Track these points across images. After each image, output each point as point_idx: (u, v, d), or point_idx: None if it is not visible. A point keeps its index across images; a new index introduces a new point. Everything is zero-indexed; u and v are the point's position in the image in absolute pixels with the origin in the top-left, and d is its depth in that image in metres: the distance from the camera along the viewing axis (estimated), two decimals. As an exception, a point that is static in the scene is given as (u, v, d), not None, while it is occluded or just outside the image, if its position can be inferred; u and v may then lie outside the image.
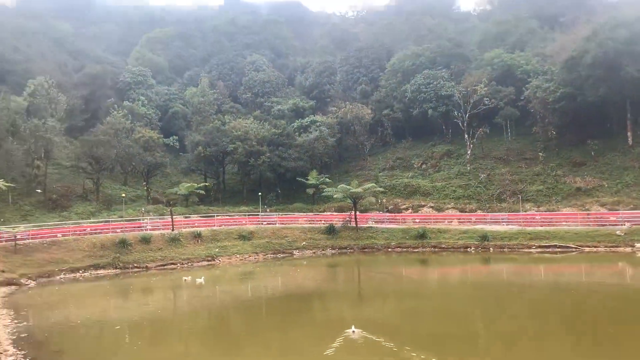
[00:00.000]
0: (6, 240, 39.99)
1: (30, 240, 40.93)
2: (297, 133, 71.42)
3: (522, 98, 63.72)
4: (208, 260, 43.16)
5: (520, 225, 47.73)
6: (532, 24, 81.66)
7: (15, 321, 22.11)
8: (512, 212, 51.50)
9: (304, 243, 48.39)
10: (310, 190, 62.67)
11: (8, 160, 55.55)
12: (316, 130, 70.06)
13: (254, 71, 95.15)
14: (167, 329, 22.66)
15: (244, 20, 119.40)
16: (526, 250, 42.70)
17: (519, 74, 67.20)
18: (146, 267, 40.55)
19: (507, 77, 67.95)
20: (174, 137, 78.88)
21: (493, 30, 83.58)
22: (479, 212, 53.95)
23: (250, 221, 53.62)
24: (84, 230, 45.62)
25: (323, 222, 53.71)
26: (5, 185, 27.16)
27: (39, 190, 56.72)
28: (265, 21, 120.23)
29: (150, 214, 53.94)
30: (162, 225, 48.79)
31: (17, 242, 39.07)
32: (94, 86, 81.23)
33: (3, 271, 35.22)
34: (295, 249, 47.57)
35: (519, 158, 62.25)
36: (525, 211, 51.60)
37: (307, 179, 62.81)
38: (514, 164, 61.35)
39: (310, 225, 53.03)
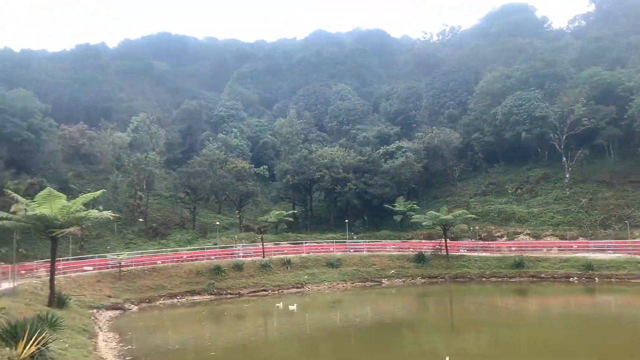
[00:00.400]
0: (112, 267, 42.85)
1: (133, 267, 43.47)
2: (382, 159, 71.25)
3: (625, 117, 59.44)
4: (297, 287, 43.59)
5: (629, 253, 43.94)
6: (633, 39, 76.48)
7: (121, 344, 23.44)
8: (619, 239, 47.63)
9: (393, 271, 47.58)
10: (397, 217, 61.92)
11: (114, 192, 60.15)
12: (402, 156, 69.54)
13: (339, 100, 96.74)
14: (259, 356, 23.00)
15: (329, 51, 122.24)
16: (636, 280, 39.16)
17: (620, 92, 62.77)
18: (239, 293, 41.68)
19: (607, 96, 63.75)
20: (264, 166, 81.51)
21: (589, 47, 79.13)
22: (581, 239, 50.46)
23: (337, 248, 53.71)
24: (181, 257, 47.89)
25: (412, 249, 52.61)
26: (112, 216, 29.14)
27: (141, 220, 60.59)
28: (349, 51, 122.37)
29: (243, 241, 55.68)
30: (254, 252, 50.08)
31: (121, 268, 41.75)
32: (191, 120, 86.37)
33: (109, 296, 37.65)
34: (383, 278, 46.86)
35: (625, 181, 57.75)
36: (634, 238, 47.53)
37: (394, 206, 62.17)
38: (619, 187, 57.01)
39: (399, 252, 52.13)
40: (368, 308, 36.51)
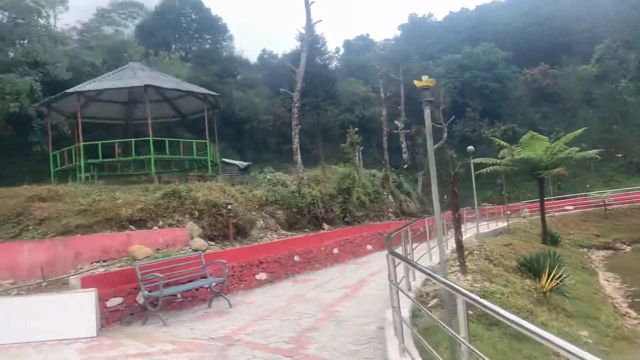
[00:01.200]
0: (595, 206, 41.44)
1: (619, 205, 40.88)
2: None
3: None
4: None
5: None
6: None
7: (624, 285, 22.33)
8: None
9: None
10: None
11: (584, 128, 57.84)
12: None
13: None
14: None
15: None
16: None
17: None
18: None
19: None
20: None
21: None
22: None
23: None
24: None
25: None
26: (596, 155, 28.06)
27: (619, 155, 56.03)
28: None
29: None
30: None
31: (606, 207, 39.84)
32: None
33: (597, 235, 36.64)
34: None
35: None
36: None
37: None
38: None
39: None
40: None
